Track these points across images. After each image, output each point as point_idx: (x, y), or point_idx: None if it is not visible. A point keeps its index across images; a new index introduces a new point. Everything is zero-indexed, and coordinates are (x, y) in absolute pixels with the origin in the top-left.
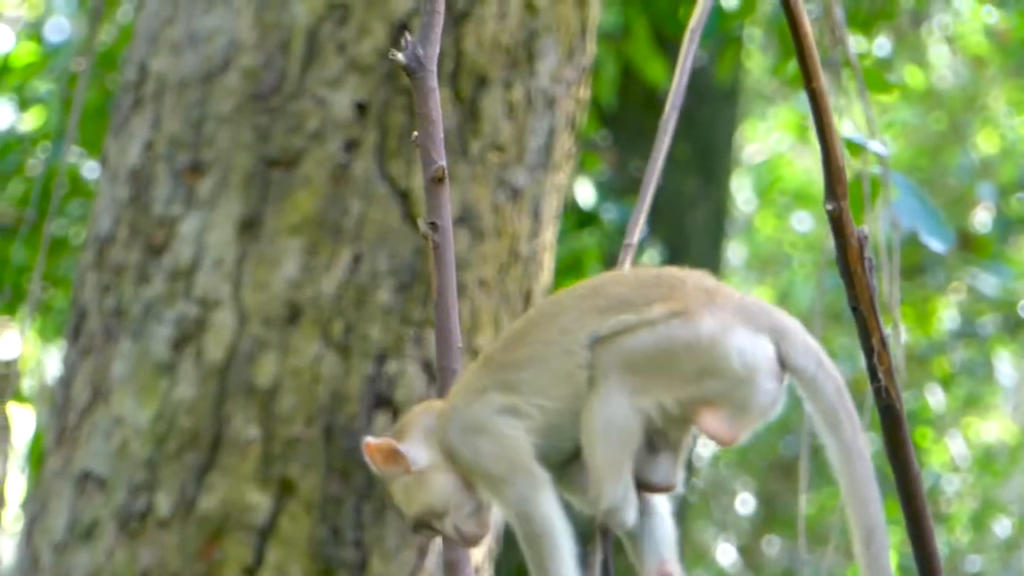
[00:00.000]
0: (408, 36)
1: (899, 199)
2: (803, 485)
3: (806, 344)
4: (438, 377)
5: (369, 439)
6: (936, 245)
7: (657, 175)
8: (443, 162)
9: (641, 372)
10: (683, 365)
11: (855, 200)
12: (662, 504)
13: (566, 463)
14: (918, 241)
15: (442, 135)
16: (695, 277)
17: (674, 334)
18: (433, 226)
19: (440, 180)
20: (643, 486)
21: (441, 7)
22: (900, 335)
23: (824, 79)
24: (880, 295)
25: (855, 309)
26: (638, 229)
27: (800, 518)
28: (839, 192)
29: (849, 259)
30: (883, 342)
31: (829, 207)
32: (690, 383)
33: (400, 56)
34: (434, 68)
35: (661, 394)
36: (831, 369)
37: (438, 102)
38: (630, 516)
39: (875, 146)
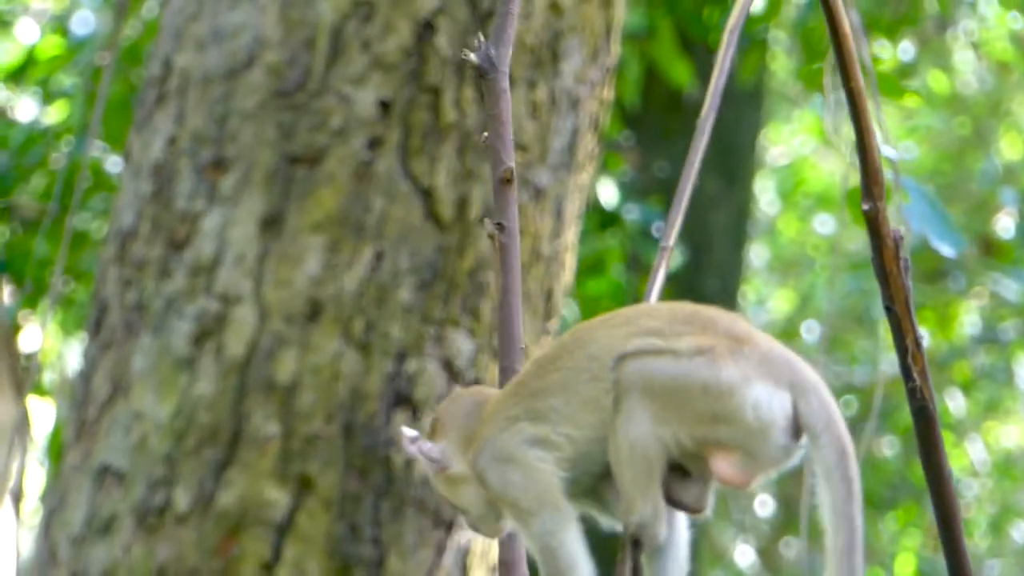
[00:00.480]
0: (481, 37)
1: (910, 204)
2: (807, 487)
3: (821, 403)
4: (500, 377)
5: (411, 448)
6: (946, 250)
7: (693, 176)
8: (512, 163)
9: (659, 400)
10: (698, 405)
11: None
12: (682, 532)
13: (597, 481)
14: None
15: (512, 136)
16: (728, 320)
17: (695, 372)
18: (500, 227)
19: (509, 181)
20: (673, 504)
21: (515, 8)
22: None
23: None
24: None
25: (889, 309)
26: (674, 232)
27: (803, 515)
28: (876, 192)
29: (885, 259)
30: (917, 343)
31: (866, 207)
32: (704, 424)
33: (473, 56)
34: (507, 69)
35: (677, 427)
36: (839, 432)
37: (509, 103)
38: (661, 531)
39: (887, 150)
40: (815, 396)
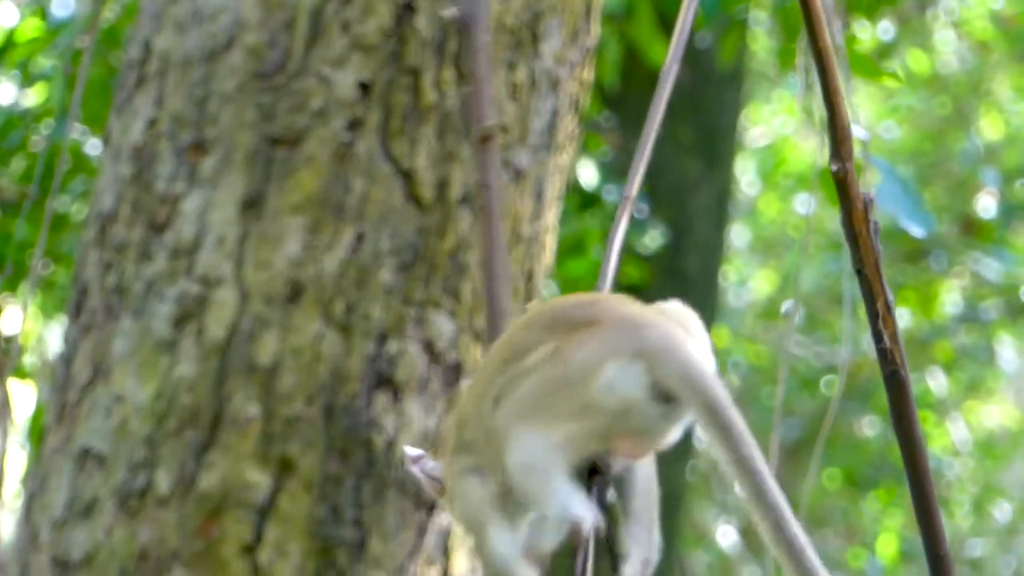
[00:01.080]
0: None
1: (881, 184)
2: (775, 456)
3: (673, 362)
4: (488, 334)
5: (414, 468)
6: (916, 231)
7: (656, 128)
8: (493, 121)
9: (535, 415)
10: (565, 404)
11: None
12: (644, 465)
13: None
14: None
15: (491, 93)
16: (586, 308)
17: (548, 376)
18: (482, 185)
19: (489, 139)
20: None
21: None
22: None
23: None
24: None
25: (859, 272)
26: (638, 179)
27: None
28: (844, 153)
29: (854, 221)
30: (888, 306)
31: (834, 168)
32: (580, 418)
33: (452, 11)
34: (486, 26)
35: (564, 428)
36: (698, 383)
37: (489, 59)
38: (588, 521)
39: (857, 131)
40: (666, 356)
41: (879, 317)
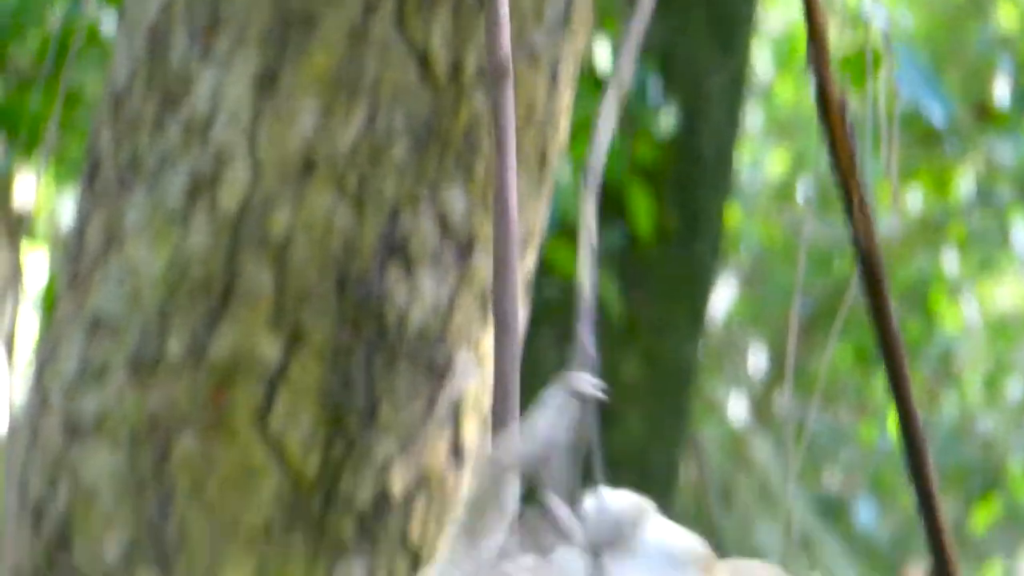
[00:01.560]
0: None
1: (901, 69)
2: (794, 334)
3: None
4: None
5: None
6: (936, 115)
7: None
8: (508, 57)
9: None
10: None
11: (858, 71)
12: None
13: None
14: None
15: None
16: None
17: None
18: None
19: (504, 76)
20: None
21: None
22: (898, 207)
23: None
24: (887, 165)
25: (839, 174)
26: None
27: (788, 368)
28: (821, 57)
29: (833, 125)
30: (863, 205)
31: (813, 74)
32: None
33: None
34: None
35: None
36: None
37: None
38: None
39: (879, 14)
40: None
41: (854, 217)
